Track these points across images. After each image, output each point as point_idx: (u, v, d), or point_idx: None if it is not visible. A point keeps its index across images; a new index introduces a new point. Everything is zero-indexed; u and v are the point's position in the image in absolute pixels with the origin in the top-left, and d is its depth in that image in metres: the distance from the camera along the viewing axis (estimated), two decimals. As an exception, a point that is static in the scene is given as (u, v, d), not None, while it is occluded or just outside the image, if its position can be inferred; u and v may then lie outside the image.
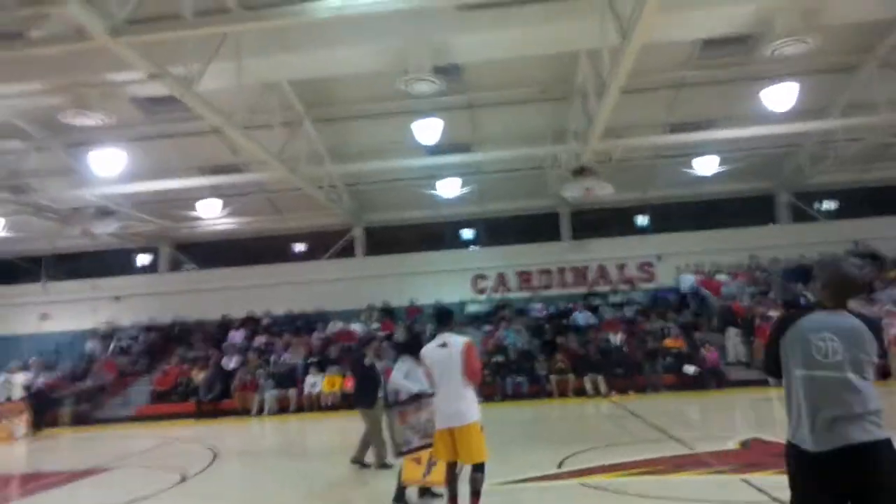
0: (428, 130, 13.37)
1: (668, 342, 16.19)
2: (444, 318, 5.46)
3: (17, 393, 15.19)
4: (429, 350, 5.27)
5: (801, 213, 20.64)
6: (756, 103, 15.36)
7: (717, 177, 18.87)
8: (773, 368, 3.09)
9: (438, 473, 5.66)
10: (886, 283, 17.03)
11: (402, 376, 5.99)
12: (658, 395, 14.54)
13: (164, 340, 20.69)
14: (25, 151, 15.32)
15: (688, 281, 19.42)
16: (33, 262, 22.51)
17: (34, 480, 9.38)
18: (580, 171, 15.49)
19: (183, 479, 8.14)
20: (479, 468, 5.08)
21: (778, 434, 8.45)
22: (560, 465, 7.24)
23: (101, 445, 12.81)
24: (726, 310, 16.74)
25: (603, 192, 15.61)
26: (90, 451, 12.40)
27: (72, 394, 17.27)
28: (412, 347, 6.20)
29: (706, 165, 17.85)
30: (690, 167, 18.49)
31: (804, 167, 18.93)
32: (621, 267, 20.60)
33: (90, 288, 21.95)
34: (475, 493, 5.09)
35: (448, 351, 5.15)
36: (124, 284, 22.29)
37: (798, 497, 2.87)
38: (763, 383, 14.47)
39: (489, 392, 15.60)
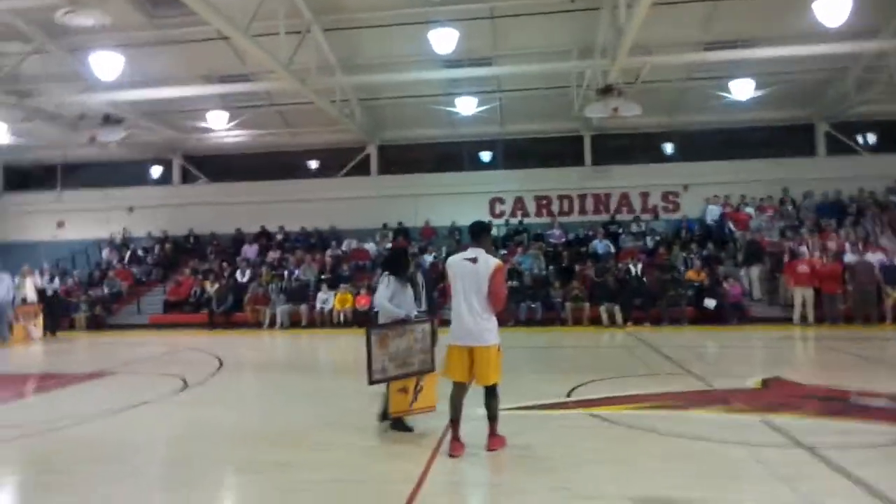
0: (444, 40, 12.44)
1: (690, 274, 15.68)
2: (480, 233, 5.06)
3: (32, 296, 15.28)
4: (455, 261, 4.94)
5: (840, 146, 19.47)
6: (800, 21, 14.17)
7: (751, 103, 17.74)
8: None
9: (426, 398, 5.46)
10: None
11: (386, 298, 5.45)
12: (676, 328, 14.19)
13: (178, 252, 20.68)
14: (27, 54, 14.68)
15: (714, 212, 18.68)
16: (48, 170, 22.32)
17: (41, 381, 9.44)
18: (606, 90, 14.52)
19: (184, 386, 8.07)
20: (492, 392, 4.87)
21: (800, 374, 8.10)
22: (569, 395, 6.96)
23: (111, 350, 12.92)
24: (753, 244, 16.07)
25: (630, 113, 14.66)
26: (100, 355, 12.53)
27: (87, 300, 17.44)
28: (396, 266, 5.68)
29: (741, 89, 16.70)
30: (724, 91, 17.37)
31: (848, 95, 17.67)
32: (645, 195, 19.86)
33: (104, 197, 21.84)
34: (493, 418, 4.92)
35: (476, 267, 4.80)
36: (138, 195, 22.14)
37: None
38: (786, 321, 14.14)
39: (502, 317, 15.38)
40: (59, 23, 12.21)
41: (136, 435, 5.82)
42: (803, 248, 14.45)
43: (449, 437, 4.90)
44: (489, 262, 4.82)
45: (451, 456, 4.72)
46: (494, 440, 4.89)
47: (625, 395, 6.88)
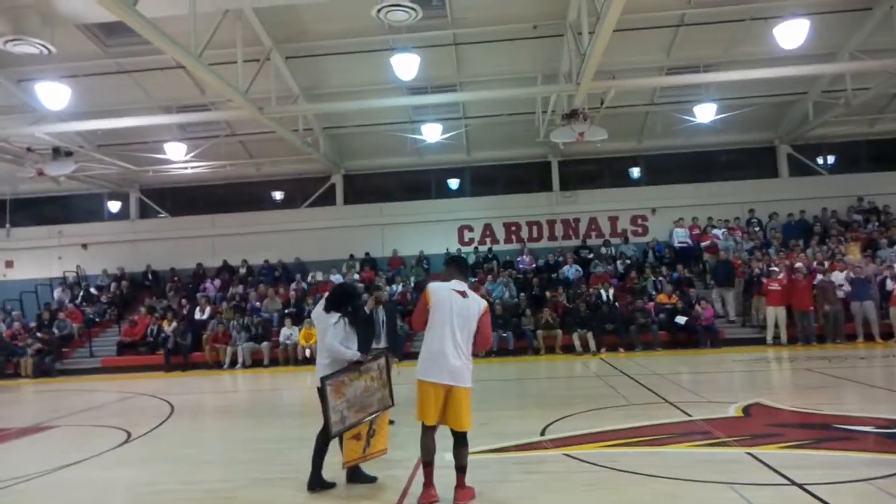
0: (406, 65, 12.19)
1: (661, 298, 15.49)
2: (465, 267, 4.99)
3: (-27, 343, 14.32)
4: (443, 290, 4.53)
5: (803, 167, 19.76)
6: (760, 45, 14.47)
7: (715, 126, 17.94)
8: None
9: (379, 441, 5.03)
10: (890, 240, 16.32)
11: (338, 340, 4.90)
12: (649, 353, 13.92)
13: (135, 289, 19.81)
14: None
15: (681, 235, 18.65)
16: (-5, 206, 21.31)
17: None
18: (572, 115, 14.45)
19: (127, 440, 7.39)
20: (463, 440, 4.45)
21: (780, 399, 7.81)
22: (543, 433, 6.52)
23: (55, 399, 12.03)
24: (725, 265, 16.00)
25: (596, 137, 14.62)
26: (43, 404, 11.65)
27: (34, 343, 16.45)
28: (340, 306, 5.13)
29: (705, 113, 16.82)
30: (688, 115, 17.51)
31: (807, 118, 17.96)
32: (614, 220, 19.78)
33: (57, 234, 20.92)
34: (462, 469, 4.45)
35: (468, 303, 4.49)
36: (93, 231, 21.25)
37: None
38: (760, 342, 13.99)
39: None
40: (5, 51, 11.63)
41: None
42: (775, 268, 14.38)
43: (418, 484, 4.43)
44: (479, 301, 4.58)
45: (423, 502, 4.28)
46: (464, 492, 4.42)
47: (602, 431, 6.47)
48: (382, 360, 5.06)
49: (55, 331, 17.11)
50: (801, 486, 4.45)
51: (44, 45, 10.88)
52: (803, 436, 6.04)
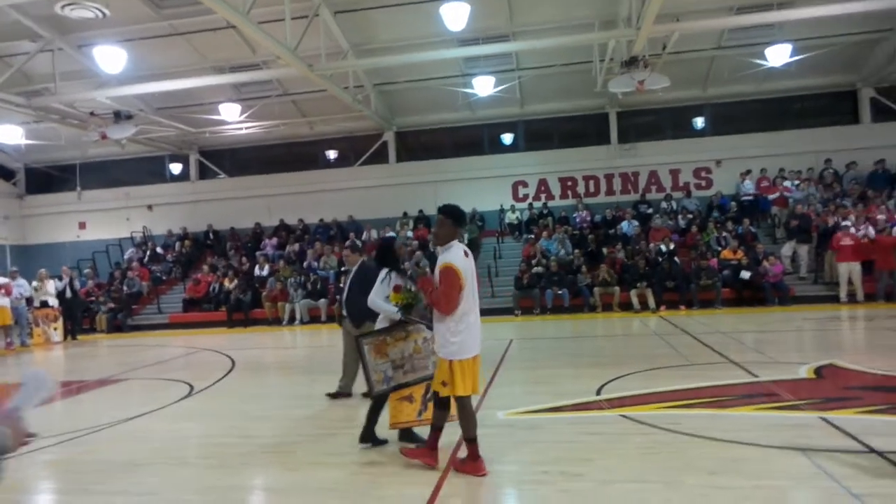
0: (456, 14, 11.74)
1: (726, 254, 14.81)
2: (464, 219, 4.45)
3: (52, 300, 15.16)
4: (463, 261, 4.10)
5: (886, 112, 18.21)
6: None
7: (789, 70, 16.65)
8: None
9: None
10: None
11: (381, 296, 4.76)
12: (712, 311, 13.40)
13: (198, 249, 20.47)
14: (35, 52, 14.47)
15: (749, 187, 17.68)
16: (68, 170, 22.27)
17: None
18: (631, 63, 13.67)
19: (189, 393, 7.65)
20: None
21: (857, 360, 7.31)
22: (599, 392, 6.33)
23: (126, 354, 12.64)
24: (799, 218, 15.09)
25: (658, 85, 13.79)
26: (115, 358, 12.26)
27: (107, 301, 17.31)
28: (388, 260, 5.00)
29: (778, 56, 15.59)
30: (759, 59, 16.30)
31: (894, 58, 16.43)
32: (675, 173, 18.93)
33: (124, 196, 21.75)
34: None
35: (471, 262, 4.21)
36: (157, 193, 21.97)
37: None
38: (833, 300, 13.24)
39: (528, 304, 14.81)
40: (61, 16, 11.89)
41: (118, 454, 5.31)
42: (846, 222, 13.47)
43: (463, 455, 4.29)
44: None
45: (481, 476, 4.10)
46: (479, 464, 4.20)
47: (661, 392, 6.21)
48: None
49: (125, 288, 17.94)
50: (881, 453, 4.12)
51: (98, 9, 11.03)
52: (883, 400, 5.61)
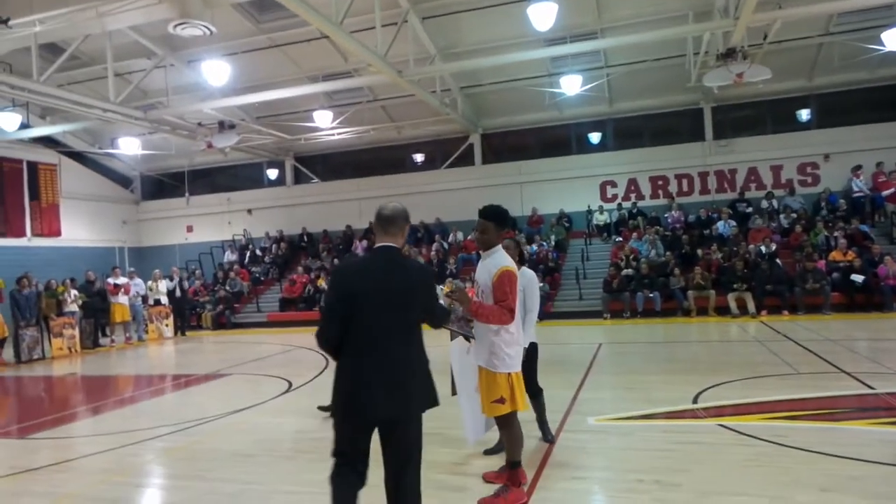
0: (543, 14, 11.64)
1: (835, 255, 13.82)
2: (506, 220, 4.13)
3: (164, 298, 16.39)
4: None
5: None
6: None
7: (909, 54, 15.28)
8: None
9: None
10: None
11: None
12: (820, 316, 12.54)
13: (293, 250, 21.44)
14: (151, 69, 15.70)
15: (862, 185, 16.38)
16: (177, 177, 23.96)
17: (158, 382, 9.89)
18: (729, 55, 13.01)
19: (288, 389, 8.06)
20: None
21: None
22: (696, 400, 6.10)
23: (230, 350, 13.46)
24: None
25: (758, 77, 13.03)
26: (219, 354, 13.06)
27: (211, 300, 18.48)
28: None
29: (896, 40, 14.36)
30: (873, 43, 15.05)
31: None
32: (777, 169, 17.84)
33: (226, 201, 23.16)
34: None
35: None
36: (255, 197, 23.19)
37: None
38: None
39: (618, 308, 14.47)
40: (173, 34, 12.84)
41: (225, 444, 5.69)
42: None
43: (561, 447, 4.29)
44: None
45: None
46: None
47: (764, 402, 5.91)
48: None
49: (227, 288, 19.07)
50: None
51: (206, 27, 11.76)
52: None
